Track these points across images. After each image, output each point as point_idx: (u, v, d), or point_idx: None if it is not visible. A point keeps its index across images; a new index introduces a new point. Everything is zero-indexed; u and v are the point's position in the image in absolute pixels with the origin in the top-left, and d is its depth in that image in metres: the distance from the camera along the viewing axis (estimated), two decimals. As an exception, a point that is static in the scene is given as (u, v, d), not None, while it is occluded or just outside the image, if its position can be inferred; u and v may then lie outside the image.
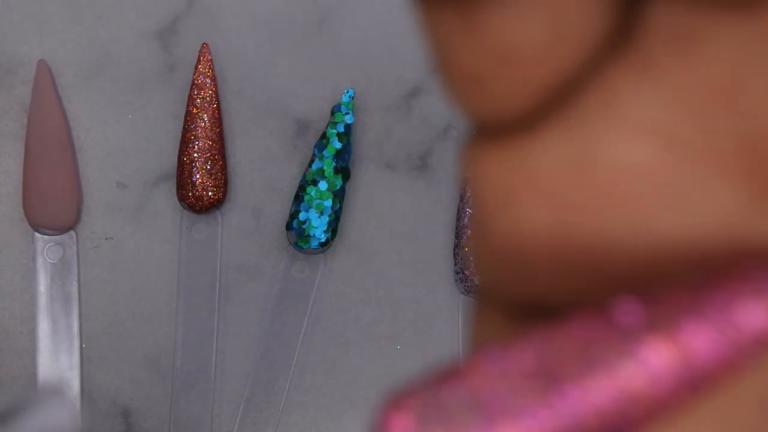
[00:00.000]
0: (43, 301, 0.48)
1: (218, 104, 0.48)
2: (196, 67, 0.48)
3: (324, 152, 0.47)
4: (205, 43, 0.48)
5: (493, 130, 0.15)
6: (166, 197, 0.49)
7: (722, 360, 0.11)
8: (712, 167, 0.13)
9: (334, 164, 0.47)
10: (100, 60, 0.49)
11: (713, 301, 0.12)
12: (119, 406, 0.49)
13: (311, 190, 0.47)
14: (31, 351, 0.48)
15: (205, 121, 0.48)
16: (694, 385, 0.12)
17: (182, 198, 0.48)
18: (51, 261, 0.48)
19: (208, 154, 0.48)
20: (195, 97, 0.48)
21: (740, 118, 0.13)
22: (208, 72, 0.48)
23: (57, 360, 0.48)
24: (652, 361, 0.12)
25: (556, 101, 0.14)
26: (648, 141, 0.13)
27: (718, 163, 0.13)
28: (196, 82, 0.48)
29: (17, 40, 0.49)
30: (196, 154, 0.48)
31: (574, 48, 0.14)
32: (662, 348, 0.12)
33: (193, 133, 0.48)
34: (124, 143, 0.49)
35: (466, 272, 0.48)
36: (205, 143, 0.48)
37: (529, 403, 0.12)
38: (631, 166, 0.13)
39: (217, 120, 0.48)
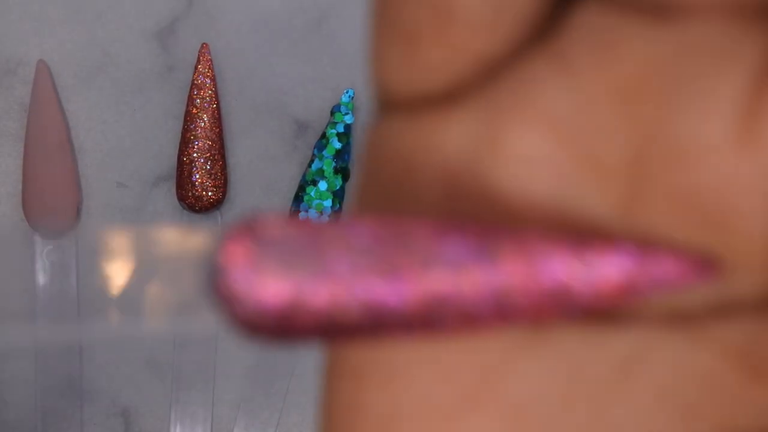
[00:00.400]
0: (43, 301, 0.48)
1: (218, 104, 0.48)
2: (196, 67, 0.48)
3: (324, 152, 0.47)
4: (205, 43, 0.48)
5: (406, 106, 0.15)
6: (165, 197, 0.49)
7: (529, 296, 0.13)
8: (595, 170, 0.14)
9: (333, 164, 0.47)
10: (99, 60, 0.49)
11: (536, 247, 0.13)
12: (119, 406, 0.49)
13: (311, 191, 0.47)
14: (31, 351, 0.48)
15: (204, 121, 0.48)
16: (502, 309, 0.13)
17: (182, 198, 0.48)
18: (50, 261, 0.48)
19: (208, 154, 0.48)
20: (195, 97, 0.48)
21: (632, 123, 0.13)
22: (208, 72, 0.48)
23: (57, 360, 0.48)
24: (474, 277, 0.13)
25: (476, 82, 0.14)
26: (545, 135, 0.14)
27: (601, 167, 0.14)
28: (195, 82, 0.48)
29: (17, 40, 0.49)
30: (195, 154, 0.48)
31: (509, 26, 0.14)
32: (483, 268, 0.13)
33: (193, 133, 0.48)
34: (123, 143, 0.49)
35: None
36: (204, 143, 0.48)
37: (365, 274, 0.13)
38: (525, 159, 0.14)
39: (217, 120, 0.48)
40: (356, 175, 0.15)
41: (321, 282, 0.13)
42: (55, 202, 0.48)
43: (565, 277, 0.13)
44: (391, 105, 0.15)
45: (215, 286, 0.13)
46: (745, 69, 0.13)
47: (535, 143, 0.14)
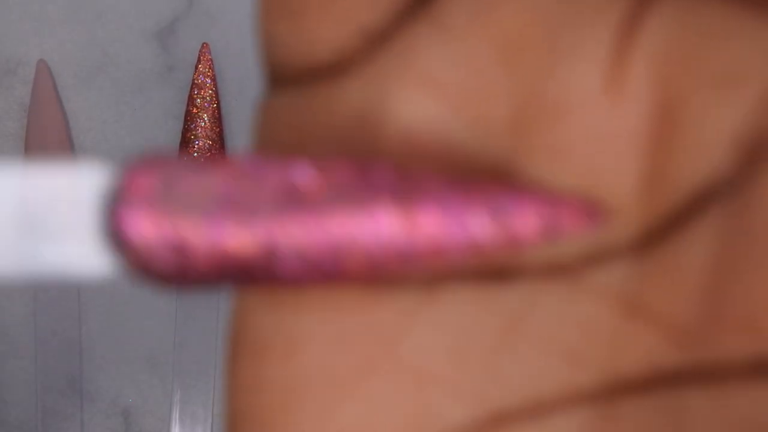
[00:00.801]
0: (43, 301, 0.48)
1: (218, 104, 0.48)
2: (196, 67, 0.48)
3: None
4: (205, 43, 0.48)
5: (295, 79, 0.15)
6: (165, 197, 0.49)
7: (443, 240, 0.13)
8: (481, 127, 0.14)
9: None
10: (99, 60, 0.49)
11: (453, 196, 0.13)
12: (119, 406, 0.49)
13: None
14: (32, 350, 0.48)
15: (205, 121, 0.48)
16: (403, 256, 0.13)
17: (182, 198, 0.48)
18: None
19: (208, 154, 0.48)
20: (195, 96, 0.48)
21: (513, 79, 0.14)
22: (208, 72, 0.48)
23: (57, 360, 0.48)
24: (381, 220, 0.13)
25: (363, 51, 0.15)
26: (432, 97, 0.14)
27: (486, 124, 0.14)
28: (196, 82, 0.48)
29: (17, 40, 0.49)
30: (196, 154, 0.48)
31: None
32: (393, 214, 0.13)
33: (193, 132, 0.48)
34: (123, 143, 0.49)
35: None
36: (205, 143, 0.48)
37: (266, 214, 0.13)
38: (414, 122, 0.14)
39: (217, 120, 0.48)
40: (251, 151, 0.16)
41: (203, 222, 0.13)
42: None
43: (485, 228, 0.13)
44: (281, 79, 0.15)
45: (108, 225, 0.13)
46: (611, 17, 0.14)
47: (422, 106, 0.14)
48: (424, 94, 0.14)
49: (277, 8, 0.15)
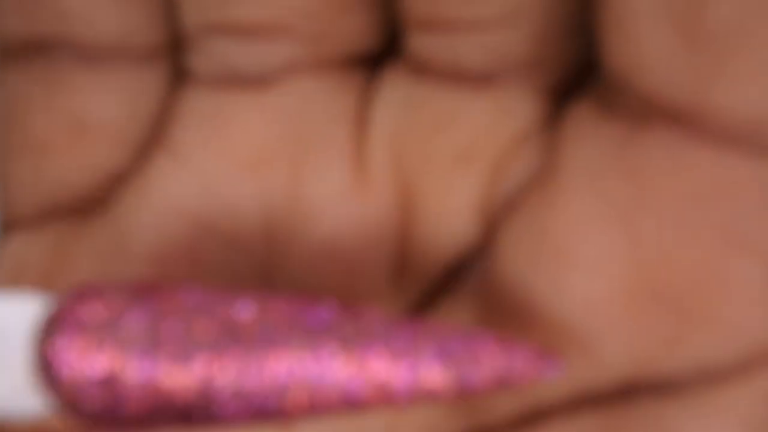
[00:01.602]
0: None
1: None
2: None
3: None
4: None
5: (33, 221, 0.15)
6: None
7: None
8: (237, 242, 0.15)
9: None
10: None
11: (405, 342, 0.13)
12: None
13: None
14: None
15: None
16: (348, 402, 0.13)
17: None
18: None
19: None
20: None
21: (265, 188, 0.14)
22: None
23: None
24: (325, 361, 0.12)
25: (106, 191, 0.15)
26: (181, 222, 0.14)
27: (235, 246, 0.15)
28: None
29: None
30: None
31: (136, 133, 0.15)
32: (340, 355, 0.12)
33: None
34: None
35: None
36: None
37: (204, 351, 0.13)
38: (164, 245, 0.15)
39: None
40: None
41: (137, 357, 0.13)
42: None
43: (436, 373, 0.13)
44: (18, 223, 0.15)
45: (38, 357, 0.13)
46: (347, 119, 0.14)
47: (169, 229, 0.14)
48: (171, 218, 0.14)
49: (19, 147, 0.15)
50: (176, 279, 0.14)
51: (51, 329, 0.13)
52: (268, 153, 0.14)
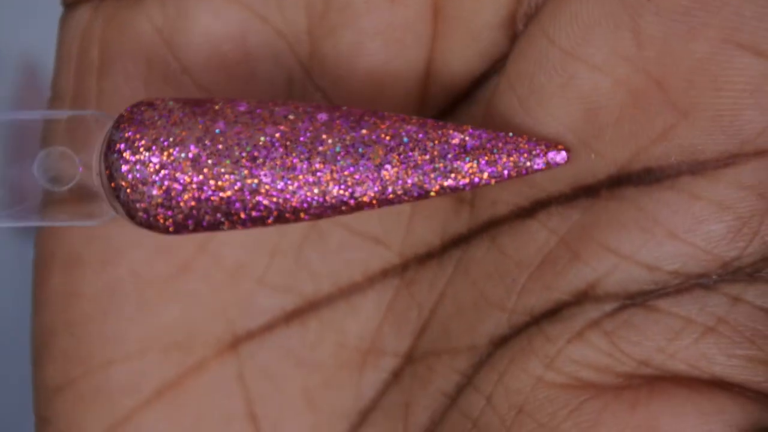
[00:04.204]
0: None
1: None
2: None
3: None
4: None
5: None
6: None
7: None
8: (283, 34, 0.15)
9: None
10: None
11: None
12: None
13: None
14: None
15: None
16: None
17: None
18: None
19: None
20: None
21: None
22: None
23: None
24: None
25: None
26: (236, 6, 0.15)
27: (286, 31, 0.15)
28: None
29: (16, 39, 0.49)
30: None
31: None
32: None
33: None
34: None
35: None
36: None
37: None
38: (218, 30, 0.15)
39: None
40: (55, 66, 0.17)
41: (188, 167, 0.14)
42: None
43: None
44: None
45: (108, 171, 0.14)
46: None
47: (225, 14, 0.15)
48: (227, 3, 0.15)
49: None
50: (220, 92, 0.15)
51: (113, 133, 0.14)
52: None
